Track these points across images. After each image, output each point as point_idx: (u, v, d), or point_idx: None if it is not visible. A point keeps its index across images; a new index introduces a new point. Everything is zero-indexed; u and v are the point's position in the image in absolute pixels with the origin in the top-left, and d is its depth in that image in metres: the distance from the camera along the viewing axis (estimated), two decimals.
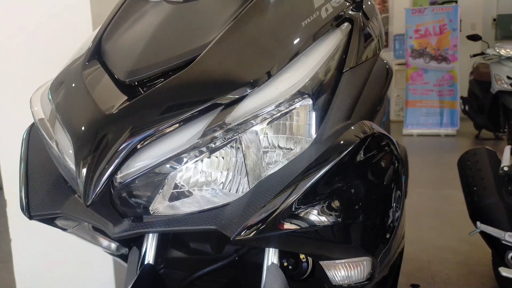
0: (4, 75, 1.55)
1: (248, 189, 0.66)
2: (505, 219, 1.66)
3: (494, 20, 7.94)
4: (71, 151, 0.66)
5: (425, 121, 5.81)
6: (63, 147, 0.70)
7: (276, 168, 0.67)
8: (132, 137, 0.61)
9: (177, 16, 0.77)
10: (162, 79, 0.66)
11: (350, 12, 0.78)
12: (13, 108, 1.56)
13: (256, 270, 0.99)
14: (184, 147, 0.63)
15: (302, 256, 0.92)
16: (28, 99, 1.49)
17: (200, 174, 0.66)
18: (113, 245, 0.91)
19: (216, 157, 0.66)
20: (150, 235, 0.83)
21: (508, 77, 4.53)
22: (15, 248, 1.67)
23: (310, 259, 0.93)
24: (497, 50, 4.70)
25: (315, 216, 0.64)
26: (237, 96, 0.63)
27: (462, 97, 5.58)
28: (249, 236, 0.61)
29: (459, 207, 2.89)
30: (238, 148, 0.66)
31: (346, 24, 0.77)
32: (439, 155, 4.64)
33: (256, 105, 0.64)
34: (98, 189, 0.60)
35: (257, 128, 0.65)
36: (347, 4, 0.79)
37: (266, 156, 0.67)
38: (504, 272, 1.49)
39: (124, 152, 0.60)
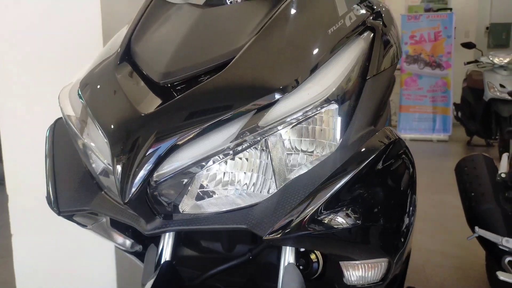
0: (7, 74, 1.55)
1: (274, 191, 0.68)
2: (502, 224, 1.70)
3: (487, 28, 8.07)
4: (103, 149, 0.68)
5: (418, 126, 5.88)
6: (95, 144, 0.71)
7: (302, 171, 0.68)
8: (169, 137, 0.62)
9: (205, 20, 0.78)
10: (195, 82, 0.68)
11: (371, 20, 0.80)
12: (15, 106, 1.56)
13: (269, 270, 1.00)
14: (217, 148, 0.65)
15: (313, 256, 0.94)
16: (30, 97, 1.50)
17: (225, 175, 0.68)
18: (128, 242, 0.92)
19: (240, 158, 0.68)
20: (167, 234, 0.84)
21: (501, 85, 4.60)
22: (15, 244, 1.67)
23: (320, 260, 0.95)
24: (491, 58, 4.77)
25: (342, 218, 0.66)
26: (268, 102, 0.65)
27: (455, 104, 5.65)
28: (279, 236, 0.63)
29: (451, 212, 2.94)
30: (263, 150, 0.67)
31: (367, 32, 0.79)
32: (431, 160, 4.70)
33: (287, 110, 0.66)
34: (135, 188, 0.62)
35: (282, 131, 0.67)
36: (369, 13, 0.81)
37: (292, 158, 0.69)
38: (502, 276, 1.52)
39: (161, 152, 0.62)
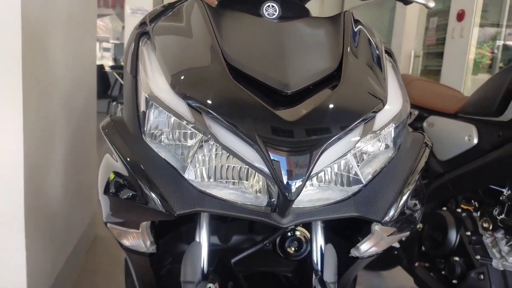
0: None
1: (358, 184, 0.78)
2: None
3: None
4: (245, 152, 0.70)
5: None
6: (229, 147, 0.71)
7: (373, 165, 0.81)
8: (322, 142, 0.69)
9: (293, 35, 0.87)
10: (310, 92, 0.75)
11: (386, 46, 0.97)
12: None
13: (279, 257, 1.09)
14: (343, 152, 0.73)
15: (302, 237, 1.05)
16: None
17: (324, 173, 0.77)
18: (149, 243, 0.89)
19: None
20: (204, 229, 0.87)
21: None
22: None
23: (308, 241, 1.06)
24: None
25: (418, 201, 0.85)
26: (377, 111, 0.77)
27: None
28: (390, 219, 0.77)
29: None
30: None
31: (388, 55, 0.95)
32: None
33: (386, 118, 0.80)
34: (299, 188, 0.68)
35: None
36: (380, 39, 0.97)
37: (367, 157, 0.81)
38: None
39: (316, 155, 0.68)
